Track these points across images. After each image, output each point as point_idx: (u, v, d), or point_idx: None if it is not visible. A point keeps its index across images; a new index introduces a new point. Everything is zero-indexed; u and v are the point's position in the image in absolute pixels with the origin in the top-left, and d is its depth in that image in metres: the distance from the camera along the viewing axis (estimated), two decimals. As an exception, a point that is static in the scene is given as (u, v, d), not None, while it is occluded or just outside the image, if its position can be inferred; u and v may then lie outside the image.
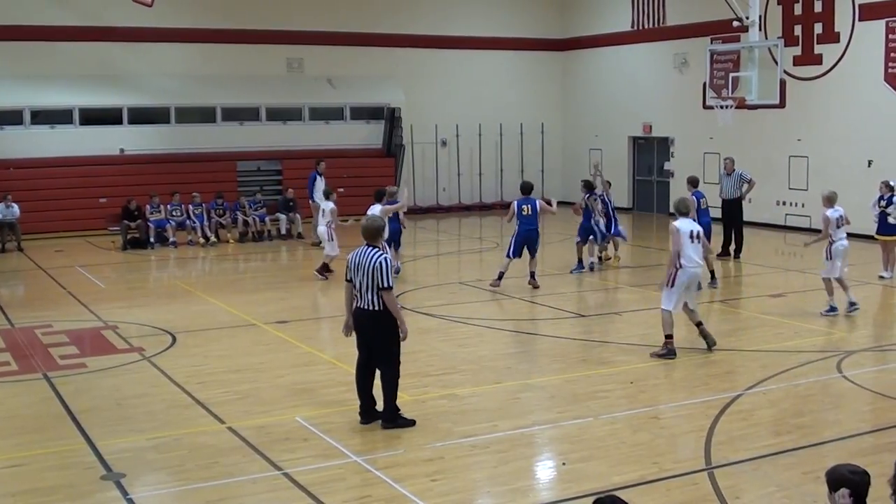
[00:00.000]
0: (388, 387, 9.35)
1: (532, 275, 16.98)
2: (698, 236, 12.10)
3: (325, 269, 18.21)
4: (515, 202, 17.07)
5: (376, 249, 9.22)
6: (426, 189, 30.74)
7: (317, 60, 28.75)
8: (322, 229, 18.89)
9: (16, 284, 19.43)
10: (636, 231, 25.65)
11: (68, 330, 14.15)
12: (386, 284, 9.07)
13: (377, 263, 9.07)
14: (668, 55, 28.42)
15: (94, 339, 13.70)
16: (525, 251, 16.93)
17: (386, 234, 17.66)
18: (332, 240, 18.30)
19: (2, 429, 9.61)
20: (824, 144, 24.07)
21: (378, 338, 9.29)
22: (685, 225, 12.08)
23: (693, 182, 18.10)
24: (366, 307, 9.20)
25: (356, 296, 9.29)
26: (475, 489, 7.98)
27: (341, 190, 27.34)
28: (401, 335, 9.33)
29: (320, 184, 23.09)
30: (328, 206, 18.58)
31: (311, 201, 23.07)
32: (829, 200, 14.42)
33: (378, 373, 9.45)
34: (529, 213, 16.87)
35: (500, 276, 16.87)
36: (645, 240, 24.41)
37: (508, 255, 16.94)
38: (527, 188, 17.44)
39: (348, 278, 9.35)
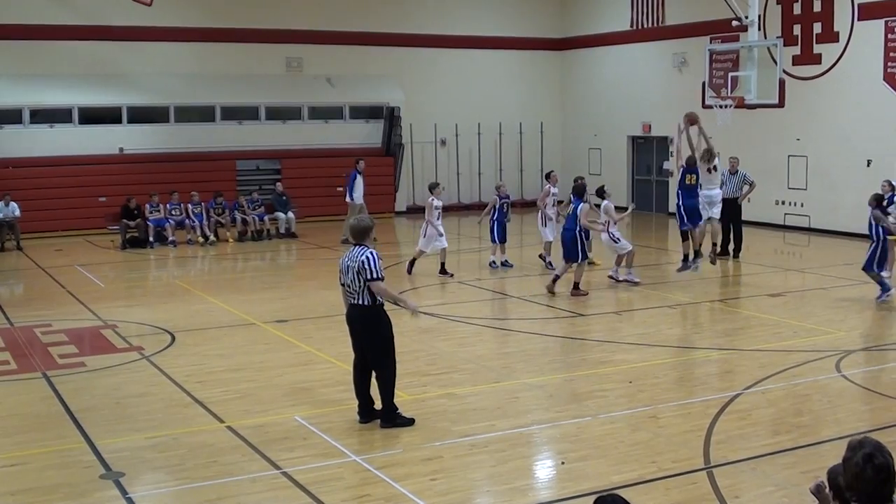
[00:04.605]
0: (384, 387, 9.35)
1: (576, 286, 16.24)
2: None
3: (408, 265, 18.37)
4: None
5: (363, 248, 9.26)
6: (425, 188, 30.61)
7: (316, 60, 28.76)
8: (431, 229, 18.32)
9: (15, 283, 19.43)
10: (634, 231, 25.62)
11: (67, 329, 14.15)
12: (374, 276, 9.10)
13: (362, 260, 9.12)
14: (667, 55, 28.42)
15: (94, 338, 13.70)
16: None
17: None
18: (424, 236, 18.32)
19: (1, 428, 9.60)
20: (823, 144, 24.08)
21: (369, 337, 9.28)
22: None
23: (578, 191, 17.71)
24: (356, 302, 9.25)
25: (349, 295, 9.32)
26: (474, 488, 7.98)
27: (340, 189, 27.47)
28: (410, 313, 9.77)
29: (360, 183, 23.11)
30: (437, 202, 18.36)
31: (349, 200, 23.03)
32: None
33: (374, 373, 9.46)
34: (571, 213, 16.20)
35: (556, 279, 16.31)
36: (644, 239, 24.38)
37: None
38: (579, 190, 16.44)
39: (342, 282, 9.38)
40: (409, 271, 18.35)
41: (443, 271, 18.27)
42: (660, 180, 29.40)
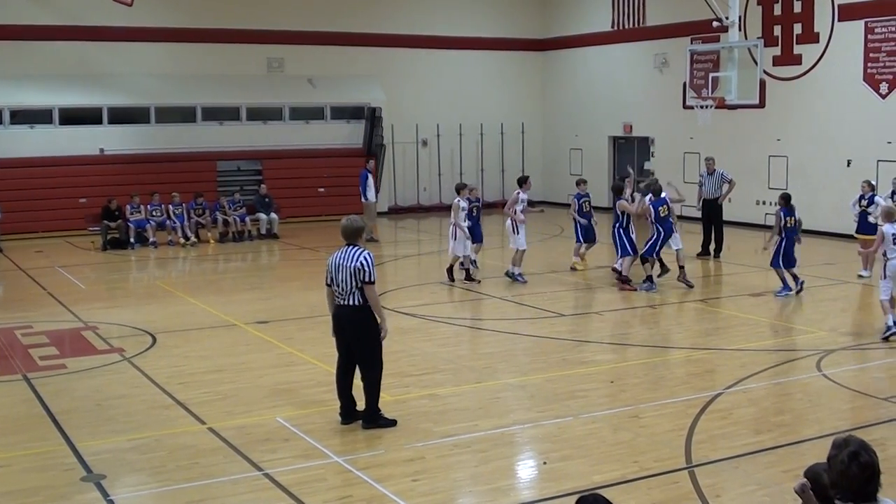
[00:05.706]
0: (369, 388, 9.33)
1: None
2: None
3: (464, 273, 17.58)
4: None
5: (357, 248, 9.23)
6: (407, 189, 30.74)
7: (297, 60, 28.70)
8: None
9: (-6, 285, 19.33)
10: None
11: (48, 331, 14.08)
12: (370, 279, 9.09)
13: (360, 261, 9.09)
14: (648, 55, 28.51)
15: (75, 339, 13.64)
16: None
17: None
18: (455, 239, 17.39)
19: (-19, 430, 9.56)
20: (804, 144, 24.20)
21: (359, 337, 9.25)
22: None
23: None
24: (346, 303, 9.20)
25: (338, 296, 9.28)
26: (456, 489, 7.98)
27: (321, 189, 27.51)
28: (381, 333, 9.33)
29: (371, 182, 23.07)
30: (462, 203, 17.66)
31: (363, 199, 22.96)
32: (889, 216, 13.53)
33: (359, 373, 9.43)
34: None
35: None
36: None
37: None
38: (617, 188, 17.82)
39: (328, 282, 9.34)
40: (452, 279, 17.48)
41: (468, 275, 17.67)
42: (641, 181, 29.38)
